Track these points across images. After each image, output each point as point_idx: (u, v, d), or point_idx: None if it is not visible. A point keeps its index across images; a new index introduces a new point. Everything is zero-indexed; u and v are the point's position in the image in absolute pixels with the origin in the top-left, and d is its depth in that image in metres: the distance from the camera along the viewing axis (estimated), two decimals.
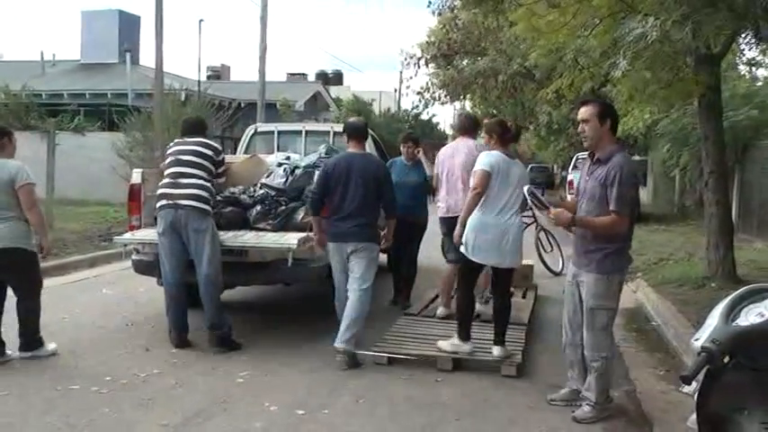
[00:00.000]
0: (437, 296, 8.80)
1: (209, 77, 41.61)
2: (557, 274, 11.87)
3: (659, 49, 6.76)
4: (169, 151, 7.50)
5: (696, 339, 3.85)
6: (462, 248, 6.55)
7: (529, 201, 5.74)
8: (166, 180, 7.25)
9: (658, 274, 11.40)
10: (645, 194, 26.22)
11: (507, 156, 6.67)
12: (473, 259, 6.53)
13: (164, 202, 7.12)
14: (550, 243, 12.61)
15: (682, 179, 22.84)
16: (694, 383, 5.30)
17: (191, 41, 66.99)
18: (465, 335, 6.76)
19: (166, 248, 7.14)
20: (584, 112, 5.40)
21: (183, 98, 25.52)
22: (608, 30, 7.80)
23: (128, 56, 28.67)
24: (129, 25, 33.90)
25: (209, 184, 7.28)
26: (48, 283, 10.29)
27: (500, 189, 6.49)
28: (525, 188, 5.76)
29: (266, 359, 6.85)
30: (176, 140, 7.68)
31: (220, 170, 7.60)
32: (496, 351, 6.70)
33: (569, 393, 5.83)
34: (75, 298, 9.43)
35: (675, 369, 6.73)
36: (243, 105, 30.00)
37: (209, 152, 7.41)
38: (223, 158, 7.67)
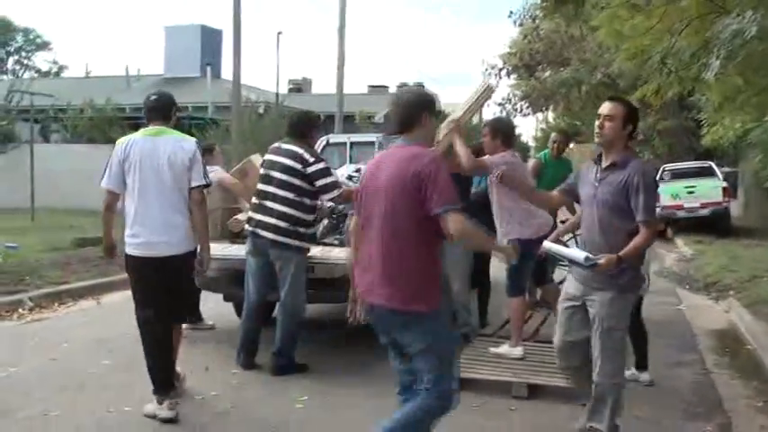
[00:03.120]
0: (546, 317, 8.29)
1: (290, 90, 41.93)
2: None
3: (757, 47, 6.19)
4: (264, 158, 6.91)
5: None
6: None
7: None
8: (255, 200, 6.80)
9: (753, 293, 10.64)
10: (735, 207, 25.17)
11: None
12: None
13: (249, 227, 6.78)
14: None
15: None
16: None
17: (272, 54, 67.79)
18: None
19: (253, 268, 6.85)
20: (610, 108, 4.80)
21: (261, 110, 25.58)
22: (699, 29, 7.26)
23: (208, 69, 28.88)
24: (211, 39, 34.35)
25: (295, 210, 6.52)
26: (115, 297, 10.35)
27: None
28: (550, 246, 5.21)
29: (329, 381, 6.51)
30: (274, 146, 6.92)
31: (318, 184, 6.52)
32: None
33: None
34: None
35: None
36: (323, 118, 29.85)
37: (298, 165, 6.51)
38: (319, 169, 6.55)
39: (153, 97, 5.83)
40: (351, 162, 9.91)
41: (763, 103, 9.51)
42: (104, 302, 10.16)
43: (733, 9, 6.94)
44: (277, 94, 31.07)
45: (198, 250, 5.77)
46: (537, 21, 28.23)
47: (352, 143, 10.53)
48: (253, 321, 6.90)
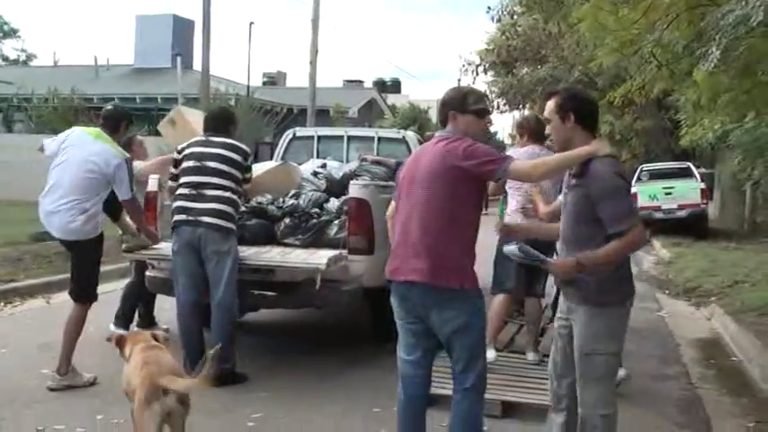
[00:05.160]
0: (522, 326, 7.70)
1: (264, 83, 41.34)
2: None
3: (761, 36, 5.68)
4: (189, 151, 6.43)
5: None
6: None
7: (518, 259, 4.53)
8: (186, 190, 6.29)
9: (735, 300, 10.23)
10: (712, 209, 24.90)
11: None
12: None
13: (182, 217, 6.21)
14: None
15: (753, 193, 21.55)
16: None
17: (246, 46, 66.49)
18: None
19: (181, 267, 6.29)
20: (545, 108, 4.23)
21: (232, 102, 25.00)
22: (690, 20, 6.78)
23: (179, 60, 28.16)
24: (182, 30, 33.57)
25: (235, 197, 6.37)
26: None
27: None
28: (510, 249, 4.35)
29: (287, 396, 5.97)
30: (197, 139, 6.58)
31: (248, 176, 6.57)
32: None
33: None
34: (94, 314, 8.64)
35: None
36: (296, 111, 29.48)
37: (238, 157, 6.40)
38: (251, 163, 6.72)
39: (109, 107, 6.66)
40: (318, 157, 9.37)
41: (750, 101, 9.08)
42: (55, 302, 9.53)
43: (723, 1, 6.49)
44: (248, 86, 30.46)
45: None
46: (515, 17, 27.91)
47: (319, 137, 9.97)
48: (192, 326, 6.34)
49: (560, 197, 4.65)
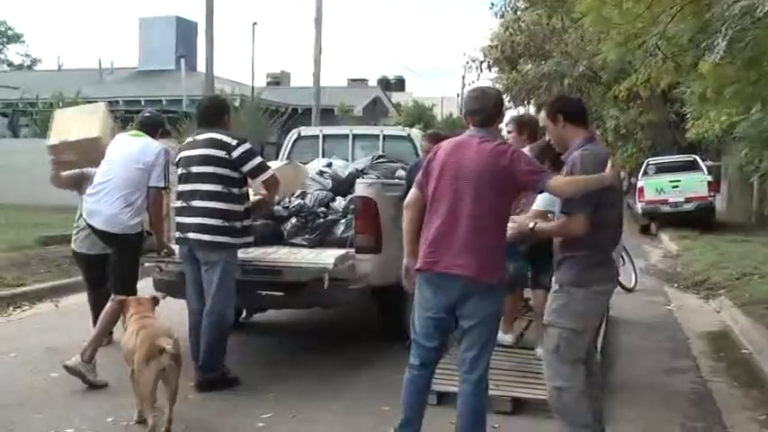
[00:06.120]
0: (531, 322, 7.60)
1: (269, 84, 41.34)
2: (629, 291, 10.77)
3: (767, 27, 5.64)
4: (179, 156, 6.20)
5: None
6: None
7: None
8: (179, 202, 6.15)
9: (744, 292, 10.18)
10: (718, 201, 24.80)
11: None
12: None
13: (178, 234, 6.18)
14: (622, 256, 11.45)
15: (761, 185, 21.44)
16: None
17: (250, 47, 66.51)
18: None
19: (189, 274, 6.26)
20: (540, 119, 4.89)
21: (237, 103, 25.01)
22: (696, 12, 6.74)
23: (182, 61, 28.20)
24: (186, 31, 33.58)
25: (228, 205, 5.96)
26: (76, 299, 9.79)
27: None
28: None
29: (295, 396, 5.94)
30: (189, 140, 6.29)
31: (246, 169, 5.97)
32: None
33: None
34: None
35: None
36: (300, 111, 29.48)
37: (221, 153, 5.90)
38: (245, 151, 5.98)
39: (147, 113, 6.93)
40: (323, 156, 9.35)
41: (756, 93, 9.02)
42: (63, 306, 9.59)
43: None
44: (252, 87, 30.46)
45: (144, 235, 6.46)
46: (518, 12, 27.84)
47: (324, 136, 9.94)
48: (200, 332, 6.24)
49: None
